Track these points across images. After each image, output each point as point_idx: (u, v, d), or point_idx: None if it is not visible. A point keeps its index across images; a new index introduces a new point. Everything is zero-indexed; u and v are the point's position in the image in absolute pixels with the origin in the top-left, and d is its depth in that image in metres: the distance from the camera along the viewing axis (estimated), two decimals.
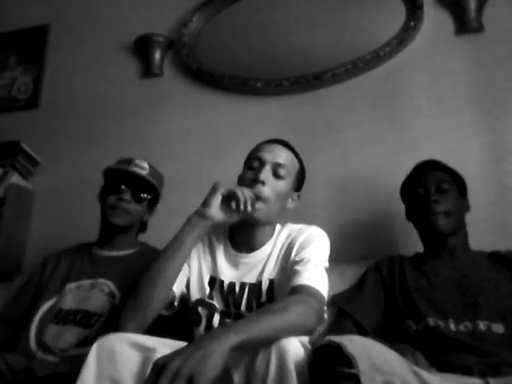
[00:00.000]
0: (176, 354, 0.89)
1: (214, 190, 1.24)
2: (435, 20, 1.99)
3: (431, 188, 1.49)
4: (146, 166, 1.63)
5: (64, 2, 2.60)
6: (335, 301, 1.47)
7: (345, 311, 1.43)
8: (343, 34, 2.08)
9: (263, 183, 1.28)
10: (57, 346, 1.44)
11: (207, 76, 2.20)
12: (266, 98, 2.12)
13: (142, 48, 2.33)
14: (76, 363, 1.04)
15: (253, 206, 1.23)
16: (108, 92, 2.37)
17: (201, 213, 1.24)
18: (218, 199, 1.23)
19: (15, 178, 2.22)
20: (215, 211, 1.23)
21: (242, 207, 1.21)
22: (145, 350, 1.04)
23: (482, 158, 1.80)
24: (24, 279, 1.74)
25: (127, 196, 1.58)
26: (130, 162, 1.63)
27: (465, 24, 1.94)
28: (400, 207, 1.75)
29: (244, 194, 1.22)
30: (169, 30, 2.34)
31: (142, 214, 1.65)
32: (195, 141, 2.17)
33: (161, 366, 0.87)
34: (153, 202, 1.68)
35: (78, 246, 1.72)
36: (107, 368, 1.02)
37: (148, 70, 2.32)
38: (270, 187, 1.29)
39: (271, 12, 2.23)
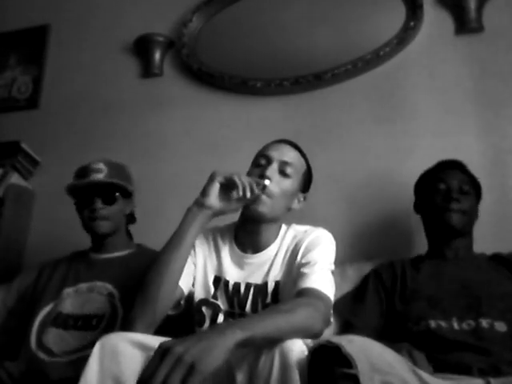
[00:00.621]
0: (181, 340, 0.89)
1: (211, 179, 1.23)
2: (435, 20, 1.99)
3: (454, 186, 1.50)
4: (102, 166, 1.61)
5: (64, 2, 2.61)
6: (339, 311, 1.47)
7: (350, 322, 1.43)
8: (343, 34, 2.08)
9: (269, 179, 1.27)
10: (60, 349, 1.45)
11: (207, 76, 2.20)
12: (266, 97, 2.12)
13: (142, 48, 2.33)
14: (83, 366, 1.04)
15: (252, 191, 1.20)
16: (108, 92, 2.37)
17: (200, 202, 1.23)
18: (215, 188, 1.22)
19: (15, 178, 2.22)
20: (214, 200, 1.22)
21: (240, 193, 1.19)
22: (147, 350, 1.03)
23: (482, 157, 1.79)
24: (22, 287, 1.75)
25: (99, 204, 1.58)
26: (86, 170, 1.62)
27: (465, 24, 1.94)
28: (401, 207, 1.76)
29: (242, 180, 1.20)
30: (169, 30, 2.34)
31: (121, 211, 1.65)
32: (195, 141, 2.17)
33: (164, 350, 0.87)
34: (126, 195, 1.67)
35: (73, 254, 1.74)
36: (110, 367, 1.02)
37: (148, 70, 2.32)
38: (276, 184, 1.28)
39: (271, 12, 2.22)
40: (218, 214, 1.25)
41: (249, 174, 1.33)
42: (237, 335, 0.91)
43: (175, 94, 2.27)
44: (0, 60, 2.62)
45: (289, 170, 1.31)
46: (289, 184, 1.31)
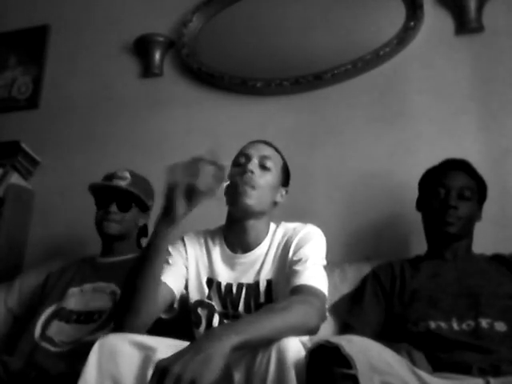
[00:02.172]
0: (177, 357, 0.89)
1: (170, 190, 1.13)
2: (435, 20, 1.99)
3: (453, 192, 1.47)
4: (127, 175, 1.68)
5: (64, 2, 2.60)
6: (338, 313, 1.47)
7: (349, 324, 1.43)
8: (343, 34, 2.07)
9: (252, 172, 1.30)
10: (60, 339, 1.50)
11: (207, 76, 2.20)
12: (265, 97, 2.12)
13: (142, 48, 2.33)
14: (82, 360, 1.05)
15: (211, 189, 1.12)
16: (108, 92, 2.37)
17: (167, 218, 1.14)
18: (179, 198, 1.12)
19: (15, 178, 2.23)
20: (181, 210, 1.13)
21: (206, 197, 1.12)
22: (145, 349, 1.04)
23: (482, 157, 1.79)
24: (24, 288, 1.81)
25: (113, 208, 1.64)
26: (111, 175, 1.69)
27: (465, 24, 1.93)
28: (401, 207, 1.76)
29: (205, 181, 1.11)
30: (169, 30, 2.34)
31: (134, 220, 1.69)
32: (195, 141, 2.17)
33: (162, 371, 0.87)
34: (143, 207, 1.71)
35: (81, 259, 1.77)
36: (108, 367, 1.03)
37: (148, 70, 2.32)
38: (259, 177, 1.32)
39: (271, 12, 2.22)
40: (185, 216, 1.16)
41: (230, 174, 1.30)
42: (232, 340, 0.92)
43: (175, 93, 2.27)
44: (0, 60, 2.62)
45: (269, 164, 1.35)
46: (270, 177, 1.34)
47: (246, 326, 0.98)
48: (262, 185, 1.31)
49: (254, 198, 1.29)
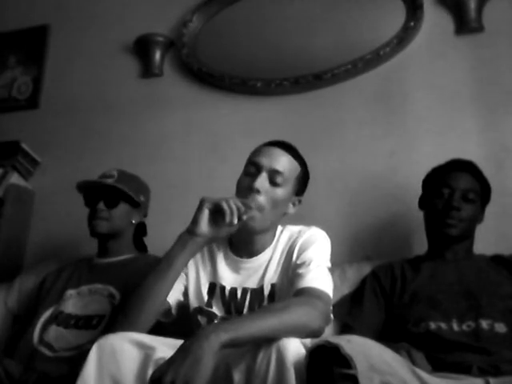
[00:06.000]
0: (168, 365, 0.91)
1: (200, 206, 1.22)
2: (435, 20, 1.99)
3: (457, 193, 1.46)
4: (114, 173, 1.67)
5: (64, 2, 2.60)
6: (338, 314, 1.45)
7: (349, 325, 1.42)
8: (343, 34, 2.08)
9: (258, 192, 1.24)
10: (59, 345, 1.49)
11: (207, 76, 2.20)
12: (266, 97, 2.12)
13: (142, 48, 2.33)
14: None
15: (239, 218, 1.18)
16: (108, 92, 2.37)
17: (190, 230, 1.22)
18: (205, 215, 1.21)
19: (15, 178, 2.23)
20: (204, 227, 1.20)
21: (227, 220, 1.17)
22: (145, 348, 1.04)
23: (481, 157, 1.79)
24: (23, 289, 1.81)
25: (101, 205, 1.63)
26: (100, 176, 1.69)
27: (465, 24, 1.94)
28: (401, 207, 1.76)
29: (231, 205, 1.18)
30: (169, 30, 2.34)
31: (125, 217, 1.67)
32: (195, 141, 2.17)
33: (156, 380, 0.89)
34: (133, 203, 1.68)
35: (78, 260, 1.77)
36: (108, 366, 1.03)
37: (148, 70, 2.32)
38: (266, 195, 1.25)
39: (271, 12, 2.22)
40: (210, 241, 1.24)
41: (239, 182, 1.31)
42: (221, 337, 0.93)
43: (175, 94, 2.27)
44: (0, 60, 2.62)
45: (279, 180, 1.26)
46: (280, 193, 1.27)
47: (236, 324, 0.98)
48: (268, 204, 1.26)
49: (257, 221, 1.25)
